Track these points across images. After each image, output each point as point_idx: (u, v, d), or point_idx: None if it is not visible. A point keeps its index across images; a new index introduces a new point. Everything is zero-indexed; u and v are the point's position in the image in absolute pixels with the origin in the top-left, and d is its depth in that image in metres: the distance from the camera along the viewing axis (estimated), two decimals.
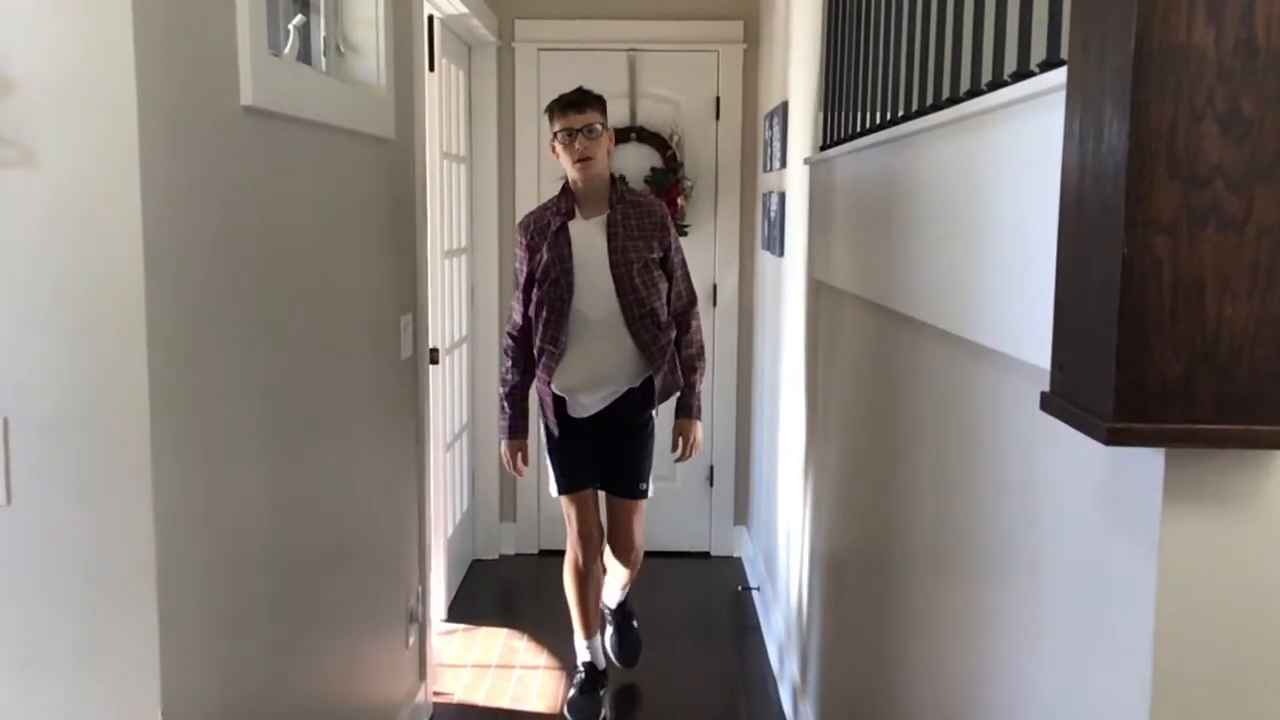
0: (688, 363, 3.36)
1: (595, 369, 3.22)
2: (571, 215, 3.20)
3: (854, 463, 2.51)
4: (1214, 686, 0.99)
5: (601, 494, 3.47)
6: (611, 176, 3.25)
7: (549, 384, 3.25)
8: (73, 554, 1.49)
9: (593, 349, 3.20)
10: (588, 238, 3.18)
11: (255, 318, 1.88)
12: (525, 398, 3.37)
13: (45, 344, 1.46)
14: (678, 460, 3.48)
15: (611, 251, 3.16)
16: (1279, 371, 0.91)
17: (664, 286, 3.24)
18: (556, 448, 3.38)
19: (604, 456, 3.37)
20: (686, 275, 3.37)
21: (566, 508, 3.42)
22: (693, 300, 3.37)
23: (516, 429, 3.37)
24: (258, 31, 1.79)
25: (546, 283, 3.17)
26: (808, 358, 3.21)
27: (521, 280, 3.27)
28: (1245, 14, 0.88)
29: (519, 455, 3.38)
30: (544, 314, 3.19)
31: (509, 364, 3.34)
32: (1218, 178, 0.90)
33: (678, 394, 3.37)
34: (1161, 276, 0.91)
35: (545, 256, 3.17)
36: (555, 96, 3.24)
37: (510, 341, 3.33)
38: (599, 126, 3.17)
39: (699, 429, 3.46)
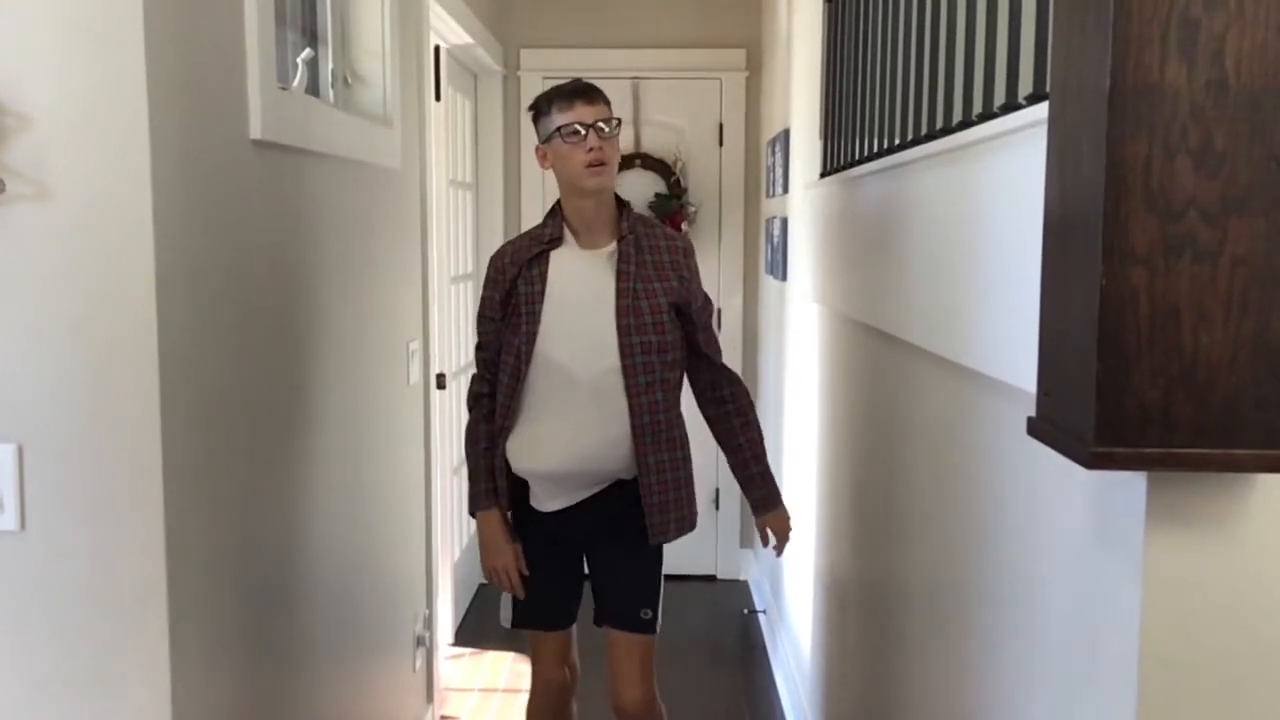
0: (746, 431, 2.54)
1: (576, 448, 2.38)
2: (557, 243, 2.41)
3: (854, 485, 2.53)
4: (1198, 703, 1.02)
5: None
6: (618, 198, 2.47)
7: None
8: (85, 578, 1.52)
9: (575, 419, 2.37)
10: (587, 271, 2.40)
11: (266, 346, 1.92)
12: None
13: (59, 373, 1.50)
14: (771, 548, 2.64)
15: (621, 294, 2.35)
16: (1254, 397, 0.94)
17: (679, 350, 2.43)
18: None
19: (592, 570, 2.58)
20: (712, 330, 2.54)
21: (530, 638, 2.66)
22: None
23: (501, 492, 2.50)
24: (267, 66, 1.83)
25: (508, 326, 2.42)
26: (810, 381, 3.23)
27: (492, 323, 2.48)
28: (1216, 54, 0.91)
29: (513, 538, 2.58)
30: (501, 370, 2.44)
31: (482, 413, 2.51)
32: (1192, 210, 0.93)
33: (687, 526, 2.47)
34: (1139, 306, 0.94)
35: (517, 293, 2.41)
36: (542, 91, 2.44)
37: (484, 388, 2.51)
38: (617, 123, 2.40)
39: (786, 514, 2.60)
